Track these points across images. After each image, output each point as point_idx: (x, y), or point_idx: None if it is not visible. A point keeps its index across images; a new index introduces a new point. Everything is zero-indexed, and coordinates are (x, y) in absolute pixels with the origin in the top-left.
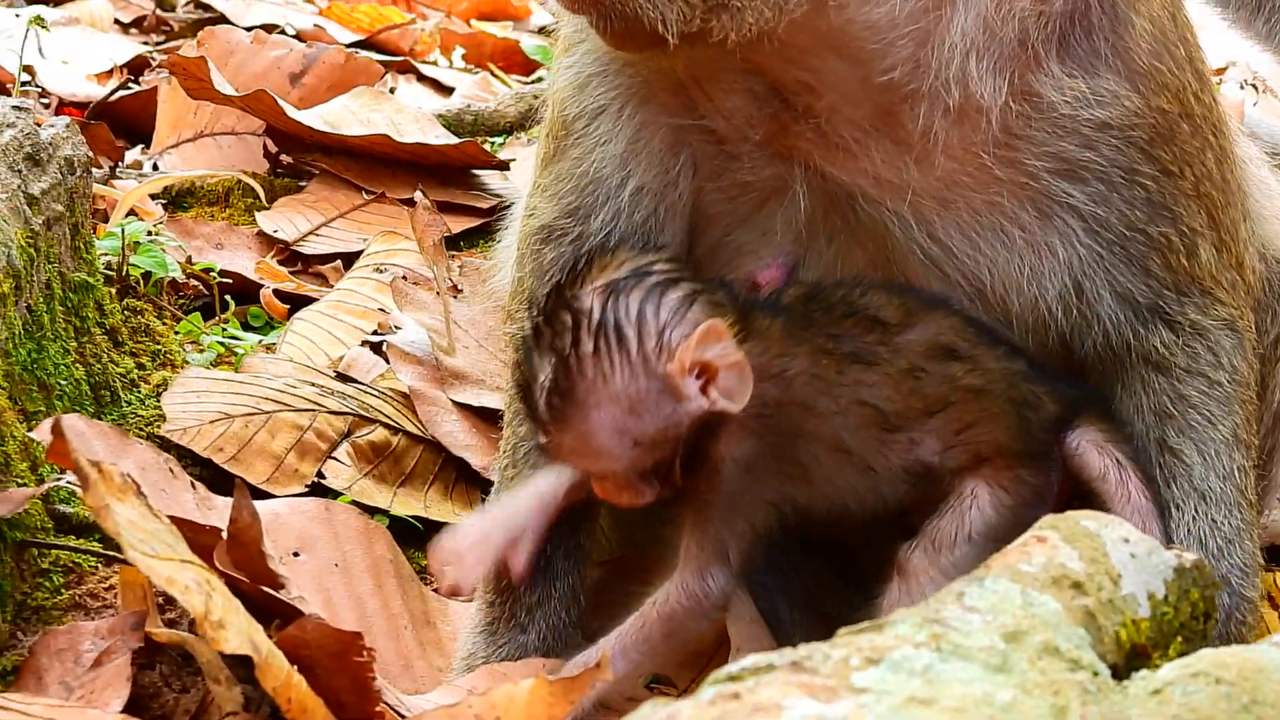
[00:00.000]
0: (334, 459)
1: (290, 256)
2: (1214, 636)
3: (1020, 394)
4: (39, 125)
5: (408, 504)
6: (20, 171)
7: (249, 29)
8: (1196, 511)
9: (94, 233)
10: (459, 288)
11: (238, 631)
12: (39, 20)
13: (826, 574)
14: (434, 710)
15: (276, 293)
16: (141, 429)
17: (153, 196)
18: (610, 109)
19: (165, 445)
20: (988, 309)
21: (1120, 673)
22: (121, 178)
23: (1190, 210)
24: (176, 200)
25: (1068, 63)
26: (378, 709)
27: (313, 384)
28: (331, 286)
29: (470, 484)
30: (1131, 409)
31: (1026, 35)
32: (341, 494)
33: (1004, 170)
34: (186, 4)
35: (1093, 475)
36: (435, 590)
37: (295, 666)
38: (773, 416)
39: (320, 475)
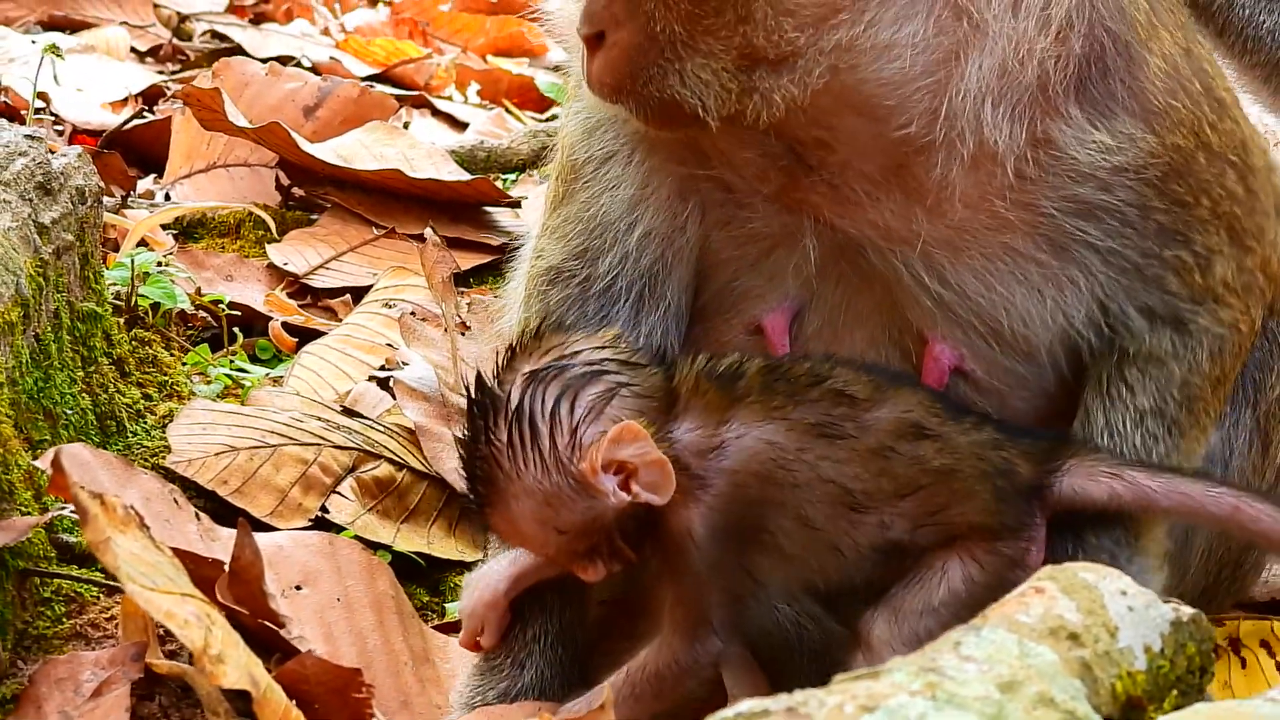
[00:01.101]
0: (338, 494)
1: (300, 289)
2: None
3: (992, 464)
4: (51, 154)
5: (411, 540)
6: (31, 200)
7: (265, 61)
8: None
9: (104, 262)
10: (467, 325)
11: (237, 665)
12: (54, 48)
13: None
14: None
15: (285, 326)
16: (147, 460)
17: (164, 227)
18: (619, 155)
19: (170, 476)
20: (1004, 347)
21: None
22: (133, 207)
23: (1206, 231)
24: (188, 231)
25: (1085, 107)
26: None
27: (318, 418)
28: (340, 320)
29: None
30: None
31: (1046, 78)
32: (345, 529)
33: (1018, 213)
34: (203, 34)
35: (1104, 502)
36: (435, 628)
37: (294, 701)
38: (724, 488)
39: (324, 510)
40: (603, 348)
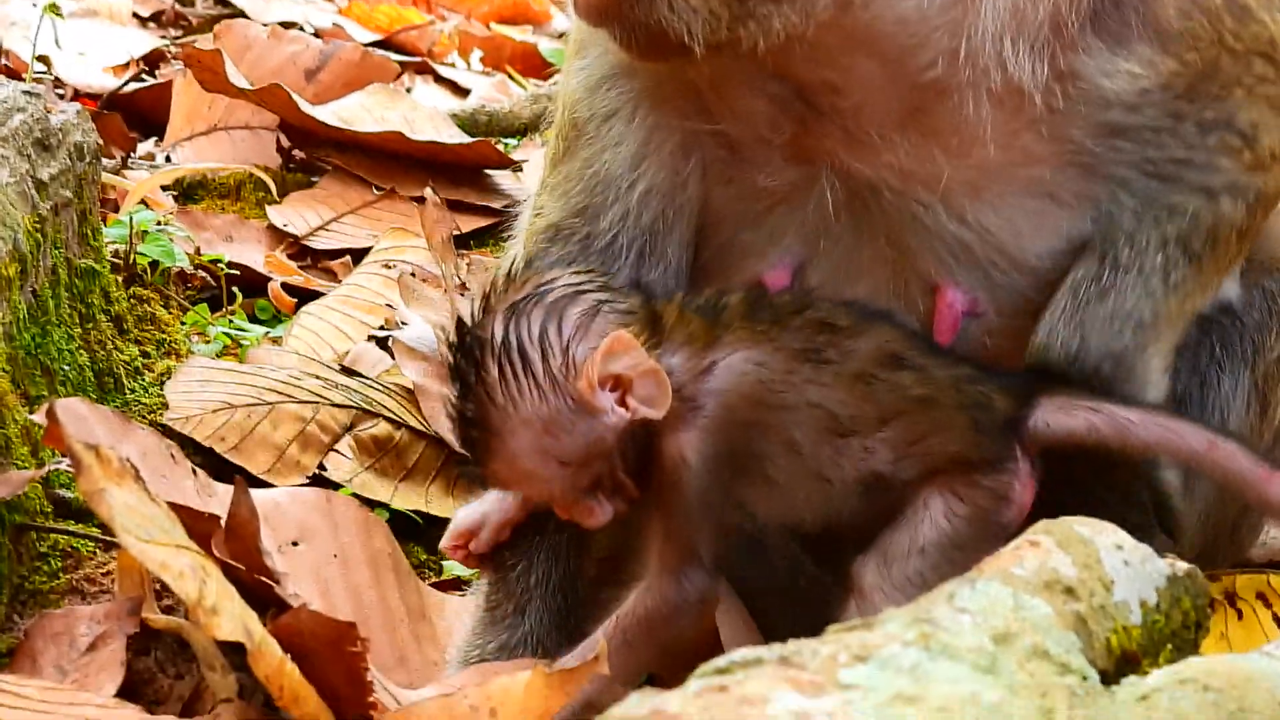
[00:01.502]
0: (336, 451)
1: (300, 251)
2: None
3: (969, 397)
4: (49, 111)
5: (408, 498)
6: (29, 156)
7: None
8: (1087, 269)
9: (102, 221)
10: (466, 285)
11: (231, 618)
12: (54, 8)
13: (823, 581)
14: (428, 700)
15: (285, 286)
16: (144, 417)
17: (164, 188)
18: (622, 112)
19: (167, 433)
20: (1026, 280)
21: (1110, 679)
22: (133, 168)
23: (1246, 109)
24: (188, 192)
25: (1103, 37)
26: (370, 699)
27: (317, 377)
28: (340, 282)
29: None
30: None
31: (1059, 14)
32: (342, 486)
33: (1047, 147)
34: None
35: (1083, 434)
36: (432, 585)
37: (289, 655)
38: (715, 411)
39: (321, 467)
40: (578, 274)
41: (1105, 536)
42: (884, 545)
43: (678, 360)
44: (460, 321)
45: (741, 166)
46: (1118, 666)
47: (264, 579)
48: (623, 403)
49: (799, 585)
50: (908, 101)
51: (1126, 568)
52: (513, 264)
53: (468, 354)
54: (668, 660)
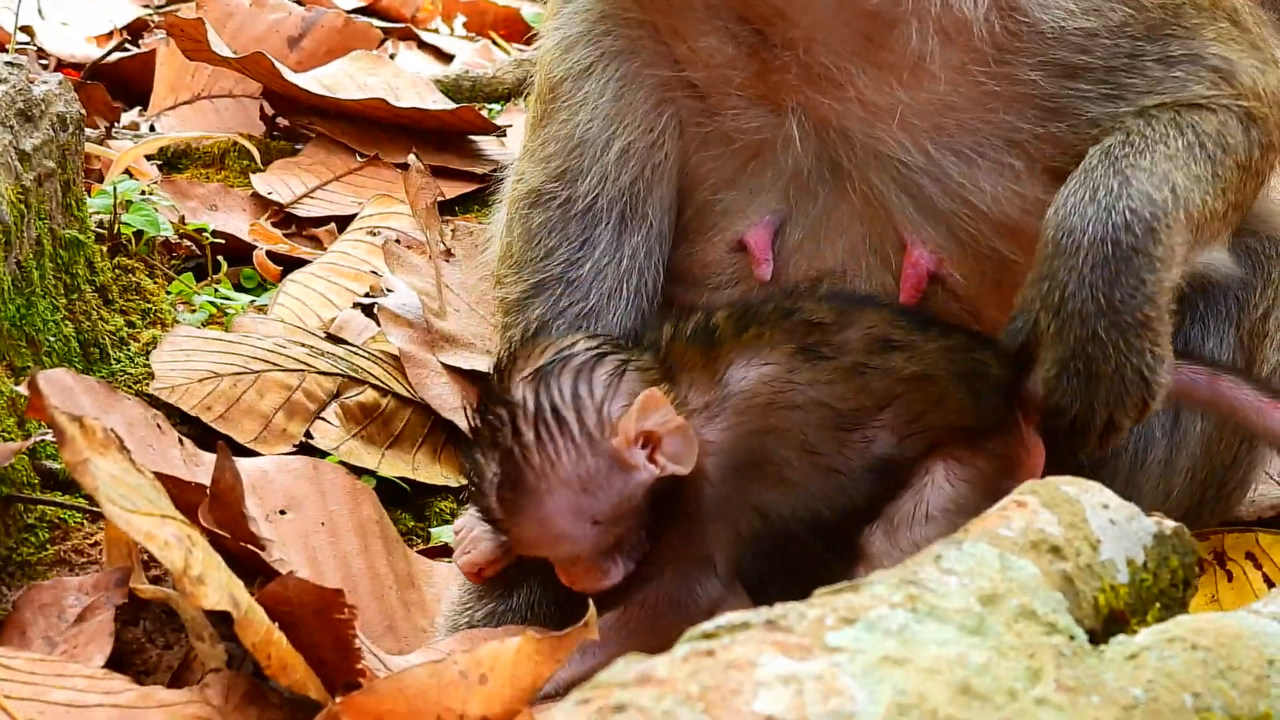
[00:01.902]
0: (322, 419)
1: (284, 219)
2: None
3: (964, 365)
4: (31, 82)
5: (396, 465)
6: (12, 127)
7: None
8: (1115, 138)
9: (86, 191)
10: (451, 252)
11: (217, 587)
12: None
13: (813, 548)
14: (417, 666)
15: (270, 254)
16: (130, 387)
17: (148, 157)
18: (595, 69)
19: (153, 403)
20: (989, 236)
21: (1098, 638)
22: (117, 138)
23: (1217, 48)
24: (172, 161)
25: None
26: (359, 666)
27: (302, 344)
28: (325, 249)
29: (459, 447)
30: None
31: None
32: (329, 454)
33: (1000, 85)
34: None
35: None
36: (420, 553)
37: (277, 623)
38: (730, 423)
39: (308, 435)
40: (592, 337)
41: (1091, 495)
42: (890, 513)
43: (698, 401)
44: (485, 388)
45: (713, 117)
46: (1106, 626)
47: (250, 546)
48: (652, 459)
49: (792, 555)
50: (857, 30)
51: (1113, 526)
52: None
53: (500, 421)
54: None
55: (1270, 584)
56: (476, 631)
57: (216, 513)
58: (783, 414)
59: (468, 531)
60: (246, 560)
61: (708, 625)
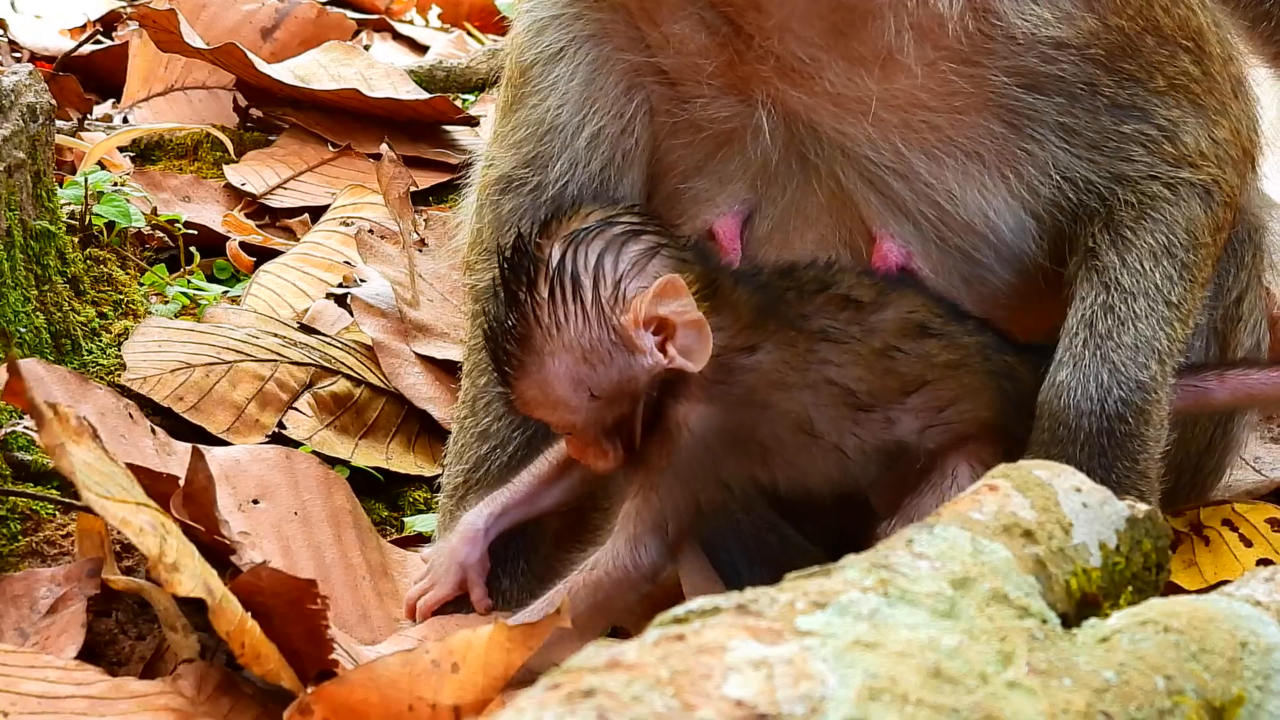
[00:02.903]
0: (295, 410)
1: (258, 210)
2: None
3: (995, 365)
4: (0, 73)
5: (369, 455)
6: None
7: None
8: (1096, 299)
9: (58, 182)
10: (424, 241)
11: (192, 575)
12: None
13: (792, 539)
14: (389, 656)
15: (243, 245)
16: (102, 378)
17: (121, 149)
18: (566, 53)
19: (126, 394)
20: (954, 236)
21: (1071, 621)
22: (90, 130)
23: (1166, 104)
24: (145, 153)
25: None
26: (331, 656)
27: (275, 335)
28: (298, 240)
29: (433, 436)
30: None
31: None
32: (302, 444)
33: (968, 84)
34: None
35: None
36: (393, 542)
37: (250, 613)
38: (737, 388)
39: (281, 426)
40: (640, 215)
41: (1064, 479)
42: (909, 512)
43: (722, 330)
44: (519, 239)
45: (684, 105)
46: (1078, 609)
47: (220, 537)
48: (662, 348)
49: (767, 545)
50: (830, 22)
51: (1085, 510)
52: (494, 233)
53: (520, 272)
54: (600, 632)
55: (1247, 543)
56: (448, 617)
57: (190, 509)
58: (790, 393)
59: (434, 561)
60: (218, 550)
61: (679, 610)
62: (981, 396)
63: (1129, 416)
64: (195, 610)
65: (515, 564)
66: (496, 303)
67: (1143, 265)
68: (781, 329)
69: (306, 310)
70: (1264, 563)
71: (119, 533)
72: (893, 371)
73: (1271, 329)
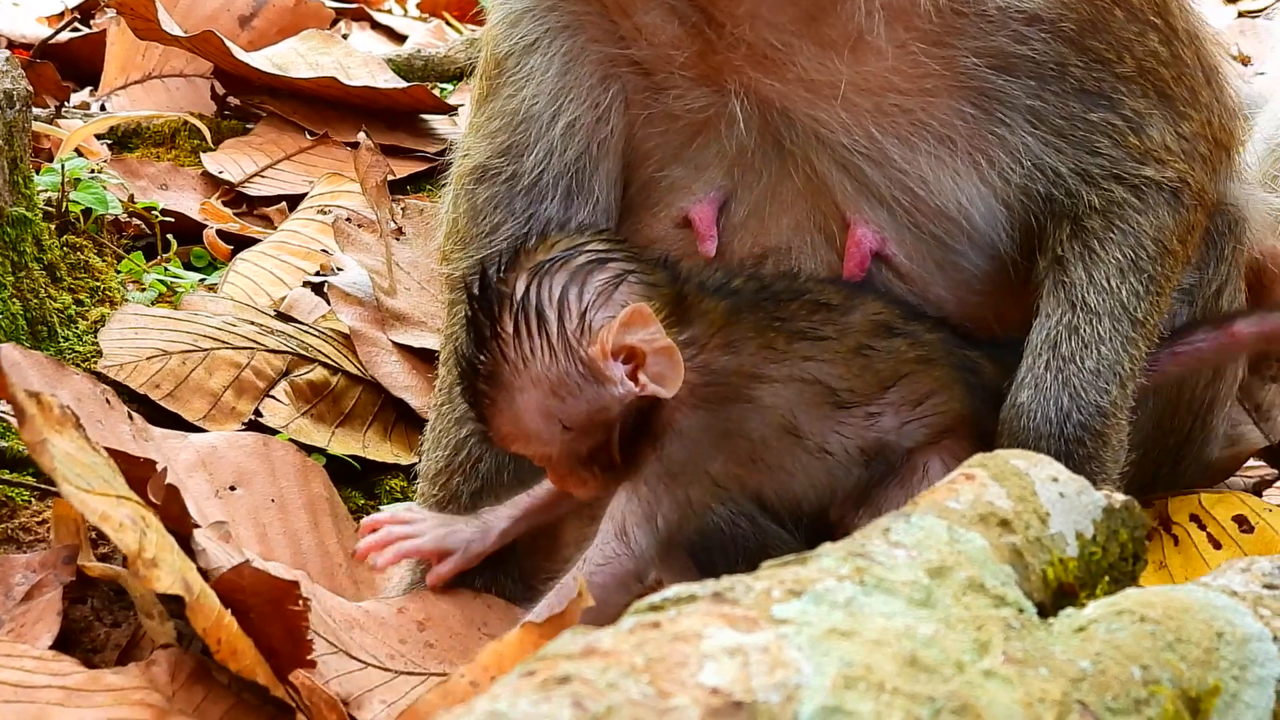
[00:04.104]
0: (272, 397)
1: (235, 198)
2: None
3: (958, 359)
4: None
5: (346, 443)
6: None
7: None
8: (1061, 317)
9: (35, 169)
10: (402, 229)
11: (170, 571)
12: None
13: (767, 527)
14: (427, 694)
15: (220, 233)
16: (78, 365)
17: (98, 137)
18: (541, 44)
19: (102, 381)
20: (928, 222)
21: (1047, 611)
22: (67, 118)
23: (1133, 93)
24: (122, 141)
25: None
26: (310, 657)
27: (252, 322)
28: (275, 228)
29: (409, 424)
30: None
31: None
32: (279, 432)
33: (939, 65)
34: None
35: None
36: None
37: (230, 611)
38: (721, 388)
39: (257, 413)
40: (607, 240)
41: (1041, 469)
42: (879, 502)
43: (697, 341)
44: (484, 273)
45: (658, 95)
46: (1055, 599)
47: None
48: (633, 376)
49: (740, 533)
50: (800, 7)
51: (1062, 500)
52: (469, 222)
53: (487, 307)
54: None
55: (1216, 545)
56: (424, 592)
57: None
58: (769, 387)
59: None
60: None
61: (654, 597)
62: (953, 389)
63: (1087, 440)
64: (172, 598)
65: (506, 567)
66: (467, 339)
67: (1109, 283)
68: (758, 327)
69: (283, 298)
70: None
71: None
72: (869, 368)
73: (1272, 288)
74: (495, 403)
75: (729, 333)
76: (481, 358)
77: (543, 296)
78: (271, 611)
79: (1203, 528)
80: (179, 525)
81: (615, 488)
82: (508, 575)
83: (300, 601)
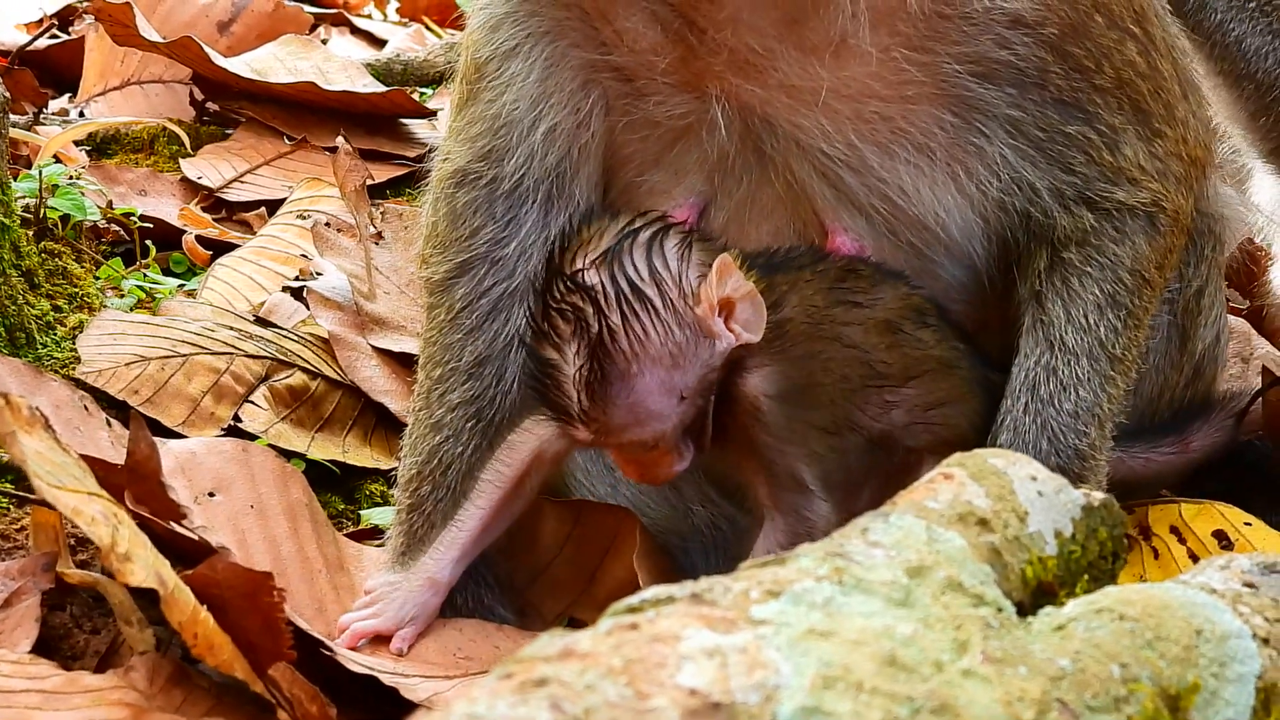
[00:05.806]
0: (251, 403)
1: (214, 203)
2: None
3: (979, 376)
4: None
5: (326, 448)
6: None
7: None
8: (1040, 358)
9: (13, 176)
10: (381, 234)
11: (144, 565)
12: None
13: (747, 528)
14: None
15: (199, 239)
16: (57, 371)
17: (77, 143)
18: (521, 49)
19: (81, 387)
20: (906, 232)
21: (1026, 610)
22: (45, 124)
23: (1110, 106)
24: (101, 147)
25: None
26: (288, 649)
27: (231, 328)
28: (255, 233)
29: (389, 429)
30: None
31: None
32: (258, 437)
33: (921, 72)
34: None
35: None
36: (349, 536)
37: (205, 605)
38: (784, 341)
39: (237, 419)
40: (646, 213)
41: (1019, 468)
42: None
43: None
44: (551, 282)
45: (639, 100)
46: (1034, 598)
47: (172, 522)
48: (727, 326)
49: (720, 535)
50: (782, 11)
51: (1041, 499)
52: (449, 226)
53: (578, 310)
54: None
55: (1195, 559)
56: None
57: (134, 487)
58: (826, 344)
59: (384, 593)
60: (173, 544)
61: (633, 599)
62: (966, 404)
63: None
64: (151, 604)
65: (482, 575)
66: (546, 355)
67: (1087, 320)
68: (794, 285)
69: (263, 303)
70: None
71: (74, 527)
72: (897, 348)
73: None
74: (610, 398)
75: (769, 293)
76: (591, 359)
77: (633, 276)
78: (247, 605)
79: (1182, 541)
80: (172, 515)
81: (739, 473)
82: (487, 587)
83: (275, 593)
